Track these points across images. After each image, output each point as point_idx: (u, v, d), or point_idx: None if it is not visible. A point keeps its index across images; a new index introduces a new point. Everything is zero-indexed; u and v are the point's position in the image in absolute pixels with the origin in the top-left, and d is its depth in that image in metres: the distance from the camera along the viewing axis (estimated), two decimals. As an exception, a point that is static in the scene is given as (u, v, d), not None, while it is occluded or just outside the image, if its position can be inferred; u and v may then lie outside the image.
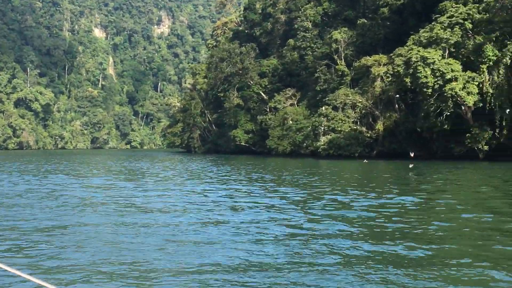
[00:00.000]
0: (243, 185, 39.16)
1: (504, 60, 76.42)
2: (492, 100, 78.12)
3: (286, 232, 18.98)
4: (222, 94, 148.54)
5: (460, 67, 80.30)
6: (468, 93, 78.04)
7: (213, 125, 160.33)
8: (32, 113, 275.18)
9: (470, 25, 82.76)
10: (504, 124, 77.84)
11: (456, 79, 78.89)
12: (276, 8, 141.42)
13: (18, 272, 6.82)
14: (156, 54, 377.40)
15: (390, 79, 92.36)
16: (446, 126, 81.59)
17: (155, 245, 16.60)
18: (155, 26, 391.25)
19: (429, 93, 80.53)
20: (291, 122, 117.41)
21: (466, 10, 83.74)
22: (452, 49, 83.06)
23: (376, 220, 21.55)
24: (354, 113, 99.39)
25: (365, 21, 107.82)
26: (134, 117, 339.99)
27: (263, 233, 18.69)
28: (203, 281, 12.67)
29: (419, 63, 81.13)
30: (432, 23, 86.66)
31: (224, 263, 14.32)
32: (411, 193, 32.08)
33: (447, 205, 26.69)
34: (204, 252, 15.55)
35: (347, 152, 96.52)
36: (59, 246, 16.54)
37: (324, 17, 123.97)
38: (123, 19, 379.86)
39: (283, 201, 28.30)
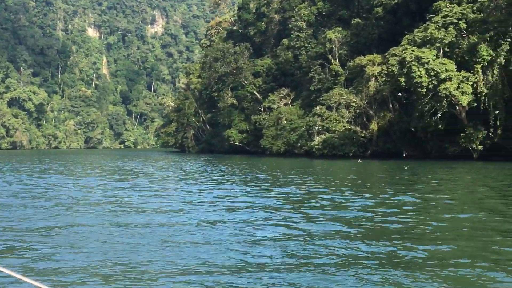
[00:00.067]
0: (238, 185, 39.05)
1: (498, 60, 76.52)
2: (486, 100, 78.22)
3: (282, 232, 18.89)
4: (216, 94, 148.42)
5: (455, 67, 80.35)
6: (463, 93, 78.12)
7: (207, 125, 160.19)
8: (26, 112, 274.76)
9: (465, 25, 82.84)
10: (498, 124, 77.93)
11: (450, 79, 78.95)
12: (270, 8, 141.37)
13: (12, 273, 6.71)
14: (149, 53, 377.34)
15: (384, 79, 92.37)
16: (440, 126, 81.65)
17: (150, 245, 16.48)
18: (149, 26, 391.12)
19: (424, 92, 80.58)
20: (285, 121, 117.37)
21: (460, 10, 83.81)
22: (447, 49, 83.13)
23: (373, 220, 21.47)
24: (348, 113, 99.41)
25: (359, 20, 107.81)
26: (128, 117, 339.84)
27: (259, 234, 18.58)
28: (200, 282, 12.55)
29: (413, 62, 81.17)
30: (426, 23, 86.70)
31: (220, 263, 14.21)
32: (407, 193, 32.00)
33: (443, 205, 26.67)
34: (200, 253, 15.44)
35: (341, 152, 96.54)
36: (54, 247, 16.40)
37: (318, 16, 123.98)
38: (116, 19, 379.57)
39: (278, 201, 28.22)
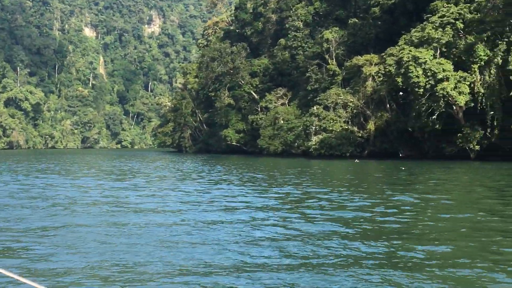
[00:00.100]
0: (235, 185, 39.00)
1: (496, 60, 76.56)
2: (483, 100, 78.26)
3: (280, 232, 18.84)
4: (213, 94, 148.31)
5: (452, 67, 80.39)
6: (460, 93, 78.15)
7: (204, 125, 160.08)
8: (22, 112, 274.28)
9: (462, 25, 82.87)
10: (495, 124, 77.93)
11: (447, 79, 78.97)
12: (267, 8, 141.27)
13: (10, 274, 6.67)
14: (146, 53, 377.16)
15: (381, 78, 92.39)
16: (437, 126, 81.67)
17: (148, 246, 16.42)
18: (146, 26, 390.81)
19: (421, 92, 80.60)
20: (282, 121, 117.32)
21: (458, 10, 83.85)
22: (444, 49, 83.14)
23: (371, 221, 21.44)
24: (346, 112, 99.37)
25: (356, 20, 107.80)
26: (125, 117, 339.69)
27: (257, 234, 18.53)
28: (198, 282, 12.51)
29: (410, 62, 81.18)
30: (424, 22, 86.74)
31: (218, 264, 14.17)
32: (404, 193, 31.99)
33: (441, 205, 26.65)
34: (198, 253, 15.38)
35: (339, 152, 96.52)
36: (51, 247, 16.33)
37: (315, 16, 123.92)
38: (113, 19, 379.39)
39: (275, 202, 28.18)
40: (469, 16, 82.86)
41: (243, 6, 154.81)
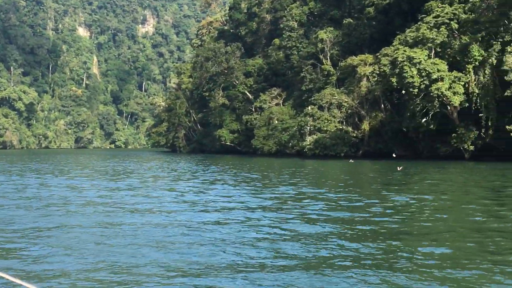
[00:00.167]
0: (230, 186, 38.95)
1: (490, 60, 76.65)
2: (478, 100, 78.36)
3: (275, 233, 18.81)
4: (207, 94, 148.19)
5: (446, 67, 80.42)
6: (454, 93, 78.20)
7: (198, 125, 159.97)
8: (16, 112, 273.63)
9: (456, 25, 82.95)
10: (489, 124, 78.00)
11: (442, 79, 79.01)
12: (262, 8, 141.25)
13: (5, 276, 6.54)
14: (140, 53, 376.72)
15: (376, 79, 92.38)
16: (432, 126, 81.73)
17: (143, 246, 16.32)
18: (140, 25, 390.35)
19: (415, 93, 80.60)
20: (276, 121, 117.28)
21: (452, 10, 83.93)
22: (438, 49, 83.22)
23: (367, 221, 21.36)
24: (340, 113, 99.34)
25: (351, 20, 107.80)
26: (119, 117, 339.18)
27: (252, 234, 18.46)
28: (195, 283, 12.45)
29: (405, 63, 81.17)
30: (418, 23, 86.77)
31: (214, 264, 14.09)
32: (400, 193, 31.95)
33: (437, 205, 26.63)
34: (193, 254, 15.31)
35: (333, 152, 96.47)
36: (46, 248, 16.22)
37: (310, 16, 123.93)
38: (107, 18, 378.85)
39: (270, 202, 28.12)
40: (463, 16, 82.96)
41: (237, 6, 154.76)
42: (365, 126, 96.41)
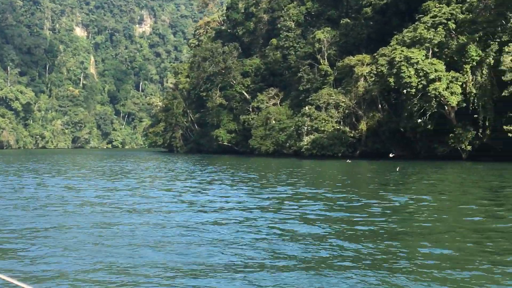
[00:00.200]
0: (228, 186, 38.93)
1: (487, 60, 76.66)
2: (475, 100, 78.35)
3: (273, 233, 18.80)
4: (204, 94, 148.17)
5: (444, 67, 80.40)
6: (452, 93, 78.19)
7: (195, 125, 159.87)
8: (13, 112, 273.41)
9: (454, 25, 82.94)
10: (487, 124, 78.03)
11: (439, 79, 79.00)
12: (259, 8, 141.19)
13: (1, 276, 6.47)
14: (137, 53, 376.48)
15: (373, 79, 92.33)
16: (429, 126, 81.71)
17: (141, 247, 16.28)
18: (137, 25, 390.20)
19: (413, 93, 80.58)
20: (274, 122, 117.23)
21: (450, 10, 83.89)
22: (436, 49, 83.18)
23: (365, 221, 21.33)
24: (337, 113, 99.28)
25: (348, 21, 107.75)
26: (116, 117, 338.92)
27: (251, 235, 18.44)
28: (193, 284, 12.41)
29: (402, 63, 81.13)
30: (416, 23, 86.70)
31: (213, 264, 14.05)
32: (398, 193, 31.92)
33: (436, 205, 26.58)
34: (192, 254, 15.26)
35: (330, 152, 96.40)
36: (43, 248, 16.16)
37: (307, 16, 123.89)
38: (104, 18, 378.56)
39: (268, 202, 28.12)
40: (461, 16, 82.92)
41: (234, 6, 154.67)
42: (363, 126, 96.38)
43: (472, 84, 78.51)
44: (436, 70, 79.45)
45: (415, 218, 22.32)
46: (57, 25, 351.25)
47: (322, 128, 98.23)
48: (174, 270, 13.50)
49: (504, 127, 73.31)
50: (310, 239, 17.40)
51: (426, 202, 27.47)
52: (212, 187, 37.63)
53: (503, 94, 73.54)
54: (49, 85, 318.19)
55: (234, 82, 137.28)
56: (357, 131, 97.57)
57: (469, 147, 79.56)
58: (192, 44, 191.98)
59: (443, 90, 77.86)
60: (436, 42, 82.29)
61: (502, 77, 73.15)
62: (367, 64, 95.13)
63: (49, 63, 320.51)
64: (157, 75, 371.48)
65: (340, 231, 18.93)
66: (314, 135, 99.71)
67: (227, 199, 29.80)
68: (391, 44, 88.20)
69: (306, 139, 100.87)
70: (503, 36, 76.90)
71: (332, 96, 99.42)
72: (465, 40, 78.74)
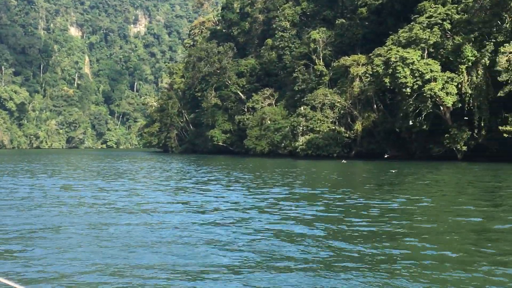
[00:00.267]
0: (223, 186, 38.81)
1: (483, 60, 76.76)
2: (470, 100, 78.47)
3: (270, 233, 18.69)
4: (199, 94, 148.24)
5: (439, 67, 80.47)
6: (447, 94, 78.26)
7: (190, 125, 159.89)
8: (7, 112, 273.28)
9: (449, 26, 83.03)
10: (482, 124, 78.17)
11: (435, 80, 79.07)
12: (254, 8, 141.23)
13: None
14: (132, 53, 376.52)
15: (369, 79, 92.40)
16: (424, 127, 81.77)
17: (138, 247, 16.17)
18: (132, 25, 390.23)
19: (408, 93, 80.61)
20: (269, 122, 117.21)
21: (445, 11, 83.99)
22: (431, 50, 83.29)
23: (362, 222, 21.26)
24: (333, 113, 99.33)
25: (344, 21, 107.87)
26: (110, 117, 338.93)
27: (248, 235, 18.35)
28: (191, 284, 12.34)
29: (398, 63, 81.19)
30: (411, 23, 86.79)
31: (209, 265, 13.93)
32: (394, 194, 31.85)
33: (431, 206, 26.53)
34: (189, 255, 15.15)
35: (326, 152, 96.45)
36: (38, 249, 16.03)
37: (303, 17, 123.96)
38: (99, 18, 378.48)
39: (264, 203, 27.99)
40: (456, 16, 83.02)
41: (230, 6, 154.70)
42: (358, 126, 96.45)
43: (468, 85, 78.60)
44: (431, 71, 79.53)
45: (411, 218, 22.27)
46: (52, 25, 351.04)
47: (318, 129, 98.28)
48: (170, 271, 13.40)
49: (500, 127, 73.46)
50: (306, 240, 17.31)
51: (422, 203, 27.42)
52: (207, 188, 37.51)
53: (498, 94, 73.66)
54: (43, 85, 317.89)
55: (229, 82, 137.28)
56: (352, 131, 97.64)
57: (464, 148, 79.66)
58: (187, 44, 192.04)
59: (438, 91, 77.91)
60: (431, 42, 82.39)
61: (498, 78, 73.26)
62: (363, 65, 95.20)
63: (43, 63, 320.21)
64: (152, 75, 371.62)
65: (336, 232, 18.84)
66: (309, 135, 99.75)
67: (223, 199, 29.71)
68: (387, 44, 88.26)
69: (302, 140, 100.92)
70: (499, 37, 77.03)
71: (328, 96, 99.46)
72: (461, 41, 78.81)
